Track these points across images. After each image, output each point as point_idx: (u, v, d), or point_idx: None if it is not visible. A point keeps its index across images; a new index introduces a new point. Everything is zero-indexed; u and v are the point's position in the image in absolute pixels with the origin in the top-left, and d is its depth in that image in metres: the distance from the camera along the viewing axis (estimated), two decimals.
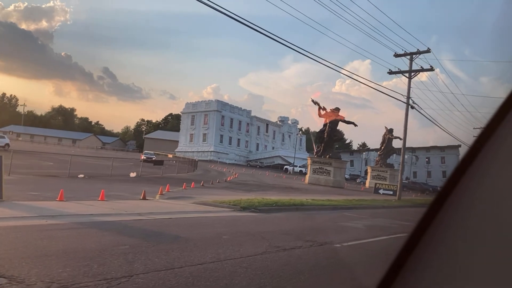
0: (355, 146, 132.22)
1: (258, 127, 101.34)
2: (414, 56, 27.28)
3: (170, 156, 63.03)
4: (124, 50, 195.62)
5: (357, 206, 19.49)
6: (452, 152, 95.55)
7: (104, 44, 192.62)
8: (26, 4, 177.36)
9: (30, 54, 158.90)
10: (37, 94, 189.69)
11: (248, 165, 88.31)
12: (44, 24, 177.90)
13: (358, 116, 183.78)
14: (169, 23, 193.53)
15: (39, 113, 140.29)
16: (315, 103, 44.75)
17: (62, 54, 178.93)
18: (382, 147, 58.79)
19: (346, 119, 47.17)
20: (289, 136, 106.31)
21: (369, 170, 59.05)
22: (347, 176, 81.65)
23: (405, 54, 27.51)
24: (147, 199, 14.55)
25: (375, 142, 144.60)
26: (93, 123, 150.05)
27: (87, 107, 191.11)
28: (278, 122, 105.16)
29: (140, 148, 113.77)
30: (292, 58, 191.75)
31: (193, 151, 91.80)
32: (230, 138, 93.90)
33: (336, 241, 9.11)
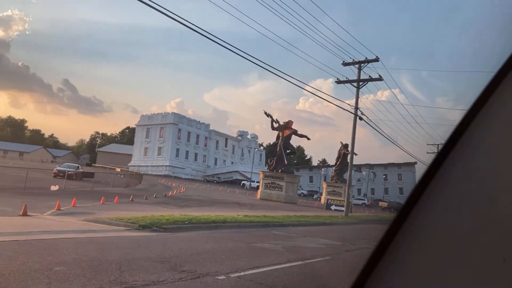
0: (315, 162, 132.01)
1: (217, 142, 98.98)
2: (362, 65, 26.05)
3: (118, 170, 59.37)
4: (86, 62, 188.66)
5: (294, 223, 17.47)
6: (408, 169, 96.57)
7: (65, 55, 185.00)
8: None
9: None
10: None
11: (205, 180, 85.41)
12: (0, 33, 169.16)
13: (321, 133, 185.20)
14: (134, 36, 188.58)
15: None
16: (268, 115, 43.15)
17: (19, 64, 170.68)
18: (338, 163, 57.82)
19: (303, 135, 45.82)
20: (249, 151, 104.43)
21: (324, 186, 57.74)
22: (304, 192, 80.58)
23: (353, 63, 26.25)
24: (29, 215, 11.92)
25: (335, 158, 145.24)
26: (46, 136, 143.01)
27: (44, 119, 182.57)
28: (238, 137, 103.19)
29: (93, 162, 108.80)
30: (257, 75, 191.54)
31: (147, 165, 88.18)
32: (187, 152, 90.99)
33: (225, 270, 6.95)
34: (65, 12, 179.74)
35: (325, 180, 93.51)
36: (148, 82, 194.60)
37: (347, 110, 25.40)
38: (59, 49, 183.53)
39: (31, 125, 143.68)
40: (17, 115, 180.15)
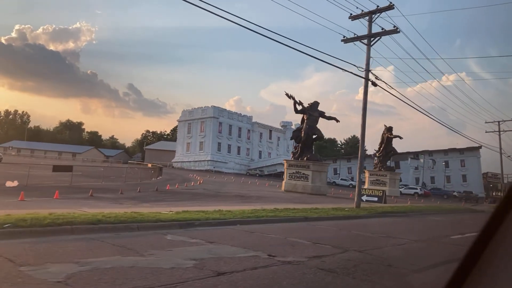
0: (371, 153, 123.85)
1: (261, 134, 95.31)
2: (374, 16, 20.74)
3: (149, 165, 57.62)
4: (148, 66, 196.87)
5: (249, 220, 12.86)
6: (472, 154, 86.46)
7: (129, 61, 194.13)
8: (54, 26, 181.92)
9: (58, 74, 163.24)
10: (65, 112, 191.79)
11: (248, 174, 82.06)
12: (71, 44, 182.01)
13: (384, 123, 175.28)
14: (193, 38, 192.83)
15: (49, 128, 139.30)
16: (290, 96, 38.42)
17: (88, 72, 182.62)
18: (381, 148, 51.59)
19: (332, 117, 40.60)
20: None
21: (366, 175, 51.80)
22: (353, 182, 74.19)
23: (362, 15, 21.02)
24: None
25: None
26: (105, 138, 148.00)
27: (113, 123, 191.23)
28: (281, 128, 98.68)
29: (143, 160, 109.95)
30: (314, 68, 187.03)
31: (190, 161, 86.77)
32: (229, 146, 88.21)
33: None
34: (127, 20, 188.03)
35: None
36: (208, 82, 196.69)
37: (355, 74, 20.31)
38: (123, 55, 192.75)
39: (101, 129, 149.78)
40: (88, 120, 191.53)
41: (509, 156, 49.76)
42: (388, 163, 51.42)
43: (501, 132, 45.38)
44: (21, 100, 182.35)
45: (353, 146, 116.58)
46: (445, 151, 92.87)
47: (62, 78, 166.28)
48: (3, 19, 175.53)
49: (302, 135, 39.38)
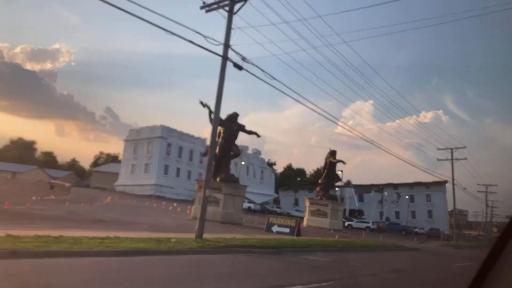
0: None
1: None
2: None
3: (67, 185, 50.40)
4: (127, 89, 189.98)
5: None
6: (438, 189, 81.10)
7: (107, 84, 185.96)
8: (32, 46, 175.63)
9: (33, 94, 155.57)
10: (38, 134, 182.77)
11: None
12: (48, 65, 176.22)
13: (362, 157, 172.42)
14: (172, 64, 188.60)
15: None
16: (204, 105, 32.26)
17: (65, 93, 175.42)
18: (323, 174, 45.43)
19: (252, 131, 34.63)
20: (247, 167, 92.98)
21: (307, 204, 45.43)
22: (296, 212, 67.54)
23: None
24: None
25: (371, 180, 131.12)
26: (66, 160, 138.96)
27: (90, 148, 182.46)
28: None
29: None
30: (292, 99, 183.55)
31: (133, 185, 79.19)
32: (178, 169, 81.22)
33: None
34: (107, 43, 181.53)
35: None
36: (186, 109, 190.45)
37: (213, 52, 14.27)
38: (101, 78, 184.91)
39: (72, 153, 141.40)
40: (62, 143, 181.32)
41: (464, 188, 44.51)
42: (333, 192, 45.12)
43: (454, 161, 40.20)
44: None
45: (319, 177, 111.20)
46: (411, 185, 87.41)
47: (37, 98, 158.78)
48: None
49: (217, 151, 33.04)
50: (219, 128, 33.69)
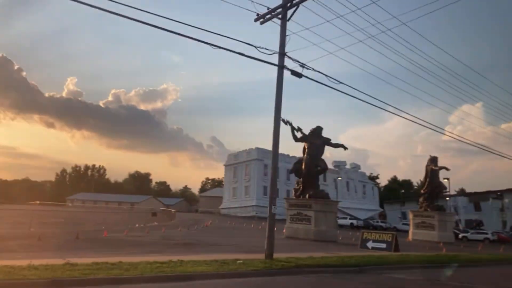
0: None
1: None
2: None
3: (174, 211, 53.91)
4: (229, 118, 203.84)
5: None
6: None
7: (211, 115, 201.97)
8: (144, 88, 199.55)
9: (148, 131, 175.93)
10: (154, 166, 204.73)
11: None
12: (159, 104, 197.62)
13: (477, 163, 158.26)
14: (268, 89, 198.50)
15: (117, 180, 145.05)
16: (286, 122, 32.12)
17: (175, 128, 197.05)
18: (426, 184, 41.87)
19: (339, 144, 33.55)
20: (354, 184, 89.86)
21: (410, 217, 42.14)
22: (399, 226, 62.77)
23: None
24: None
25: (488, 187, 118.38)
26: (179, 187, 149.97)
27: (198, 174, 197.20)
28: (333, 168, 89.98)
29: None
30: (394, 108, 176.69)
31: (236, 207, 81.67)
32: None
33: None
34: (207, 77, 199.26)
35: (456, 212, 72.74)
36: (284, 131, 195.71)
37: (269, 63, 14.11)
38: (205, 110, 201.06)
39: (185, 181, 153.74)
40: (175, 172, 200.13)
41: None
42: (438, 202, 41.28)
43: None
44: (117, 157, 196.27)
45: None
46: None
47: (152, 135, 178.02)
48: (101, 86, 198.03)
49: (303, 167, 32.51)
50: (304, 144, 33.28)
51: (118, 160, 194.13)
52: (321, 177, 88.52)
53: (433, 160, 41.36)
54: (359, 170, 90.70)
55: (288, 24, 15.10)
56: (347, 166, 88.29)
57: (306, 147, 32.68)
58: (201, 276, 9.84)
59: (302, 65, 14.75)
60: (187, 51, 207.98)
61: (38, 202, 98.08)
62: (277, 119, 15.27)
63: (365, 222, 66.15)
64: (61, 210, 51.16)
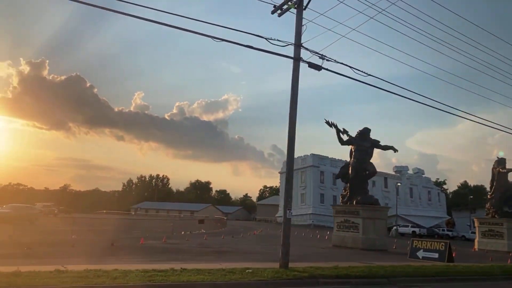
0: None
1: (373, 182, 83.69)
2: None
3: (225, 218, 53.94)
4: (286, 125, 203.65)
5: None
6: None
7: (271, 123, 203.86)
8: (206, 100, 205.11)
9: (211, 141, 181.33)
10: (217, 175, 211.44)
11: None
12: (220, 114, 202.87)
13: None
14: (325, 95, 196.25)
15: (179, 189, 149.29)
16: (331, 125, 30.51)
17: (236, 137, 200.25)
18: (493, 188, 37.94)
19: (388, 146, 31.39)
20: (418, 190, 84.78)
21: (476, 224, 38.34)
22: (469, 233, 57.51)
23: None
24: None
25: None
26: (239, 196, 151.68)
27: (259, 182, 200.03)
28: (395, 173, 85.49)
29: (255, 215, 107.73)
30: (466, 109, 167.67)
31: (293, 215, 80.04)
32: (334, 197, 79.12)
33: None
34: (266, 86, 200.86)
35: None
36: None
37: (283, 55, 13.06)
38: (265, 119, 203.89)
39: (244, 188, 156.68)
40: (237, 181, 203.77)
41: None
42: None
43: None
44: (182, 167, 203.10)
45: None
46: None
47: (214, 144, 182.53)
48: (166, 99, 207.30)
49: (350, 172, 30.63)
50: (350, 147, 31.46)
51: (183, 170, 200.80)
52: (381, 183, 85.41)
53: (501, 161, 37.36)
54: (423, 175, 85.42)
55: (341, 25, 13.93)
56: (410, 171, 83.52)
57: (353, 150, 30.82)
58: (193, 286, 8.95)
59: (322, 57, 13.50)
60: (246, 61, 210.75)
61: (104, 211, 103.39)
62: (293, 116, 14.10)
63: (429, 230, 61.77)
64: (118, 218, 52.96)
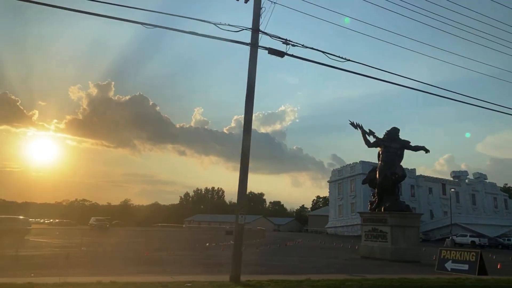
0: None
1: (430, 189, 78.32)
2: None
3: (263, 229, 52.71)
4: (347, 134, 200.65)
5: None
6: None
7: (329, 132, 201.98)
8: (263, 112, 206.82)
9: (269, 153, 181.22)
10: (277, 187, 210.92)
11: None
12: (278, 126, 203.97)
13: None
14: (392, 101, 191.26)
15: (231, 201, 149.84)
16: (356, 126, 28.26)
17: (294, 148, 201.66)
18: None
19: (419, 146, 28.54)
20: (481, 196, 77.83)
21: None
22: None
23: None
24: None
25: None
26: (295, 207, 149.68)
27: (316, 193, 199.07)
28: (452, 179, 79.12)
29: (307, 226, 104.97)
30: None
31: (343, 226, 76.89)
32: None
33: None
34: (323, 95, 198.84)
35: None
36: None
37: (232, 41, 11.67)
38: (323, 128, 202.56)
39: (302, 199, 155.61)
40: (294, 193, 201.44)
41: None
42: None
43: None
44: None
45: None
46: None
47: (273, 156, 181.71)
48: (224, 113, 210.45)
49: (377, 176, 28.05)
50: (378, 150, 28.93)
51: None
52: (439, 191, 79.27)
53: None
54: (486, 180, 78.34)
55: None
56: (470, 177, 77.03)
57: (380, 152, 28.29)
58: None
59: (286, 42, 11.90)
60: (302, 71, 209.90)
61: (159, 224, 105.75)
62: (249, 109, 12.59)
63: (492, 240, 55.98)
64: (159, 230, 53.30)
